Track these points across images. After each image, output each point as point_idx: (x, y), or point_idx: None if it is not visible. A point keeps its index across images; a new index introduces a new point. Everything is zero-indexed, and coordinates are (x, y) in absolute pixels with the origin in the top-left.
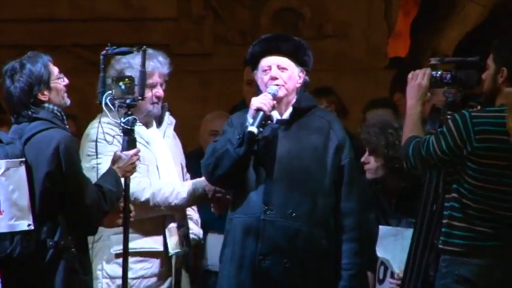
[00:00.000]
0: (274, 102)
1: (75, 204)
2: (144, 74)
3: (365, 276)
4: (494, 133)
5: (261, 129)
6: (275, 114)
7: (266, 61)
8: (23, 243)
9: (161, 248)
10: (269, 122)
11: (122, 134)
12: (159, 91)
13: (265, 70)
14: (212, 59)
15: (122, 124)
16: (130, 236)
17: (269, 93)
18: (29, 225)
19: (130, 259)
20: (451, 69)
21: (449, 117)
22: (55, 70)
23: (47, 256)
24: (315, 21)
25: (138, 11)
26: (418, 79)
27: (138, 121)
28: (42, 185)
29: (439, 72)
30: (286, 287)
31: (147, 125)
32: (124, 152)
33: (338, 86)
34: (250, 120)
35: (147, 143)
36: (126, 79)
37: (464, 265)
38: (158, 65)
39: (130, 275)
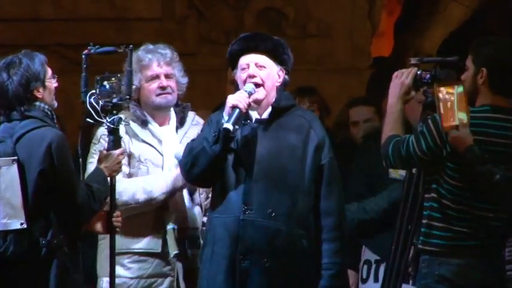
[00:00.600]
0: (250, 100)
1: (67, 203)
2: (130, 73)
3: (345, 276)
4: (474, 133)
5: (236, 126)
6: (254, 114)
7: (244, 59)
8: (16, 242)
9: (159, 249)
10: (248, 121)
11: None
12: (163, 82)
13: (243, 68)
14: (196, 58)
15: (107, 123)
16: (130, 236)
17: (245, 91)
18: (21, 223)
19: (129, 259)
20: (430, 69)
21: (429, 117)
22: (49, 70)
23: (40, 255)
24: (299, 20)
25: (122, 11)
26: (402, 78)
27: (123, 120)
28: (35, 183)
29: (418, 72)
30: (266, 287)
31: (162, 123)
32: (111, 151)
33: (321, 85)
34: (225, 117)
35: (159, 141)
36: (113, 78)
37: (444, 265)
38: (154, 56)
39: (128, 274)
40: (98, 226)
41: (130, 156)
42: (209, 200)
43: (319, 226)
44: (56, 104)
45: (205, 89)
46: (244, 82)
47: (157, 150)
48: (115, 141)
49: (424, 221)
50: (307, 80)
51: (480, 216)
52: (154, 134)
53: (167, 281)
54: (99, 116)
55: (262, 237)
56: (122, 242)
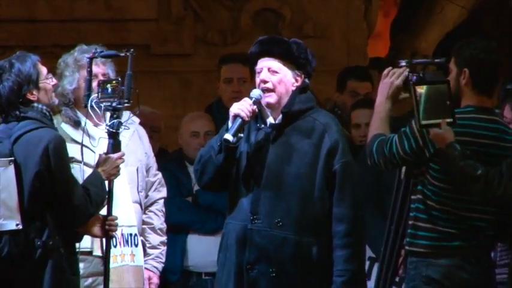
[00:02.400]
0: (255, 107)
1: (63, 204)
2: (130, 77)
3: (360, 283)
4: (458, 134)
5: (240, 134)
6: (270, 119)
7: (259, 63)
8: (11, 243)
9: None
10: (263, 126)
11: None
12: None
13: (258, 72)
14: (192, 59)
15: (107, 127)
16: None
17: (251, 98)
18: (17, 224)
19: None
20: (418, 70)
21: (412, 118)
22: (44, 70)
23: (35, 256)
24: (295, 21)
25: (117, 12)
26: (391, 78)
27: (123, 124)
28: (31, 184)
29: (407, 73)
30: None
31: (97, 123)
32: (109, 155)
33: (318, 86)
34: (229, 125)
35: (92, 140)
36: (114, 82)
37: (431, 266)
38: (85, 60)
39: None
40: (95, 229)
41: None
42: (148, 198)
43: (331, 232)
44: (56, 101)
45: (201, 90)
46: (258, 86)
47: (90, 149)
48: (114, 144)
49: (410, 222)
50: None
51: (465, 217)
52: (89, 133)
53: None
54: (99, 119)
55: (269, 246)
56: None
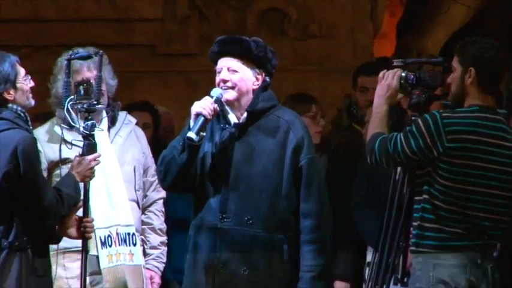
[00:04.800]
0: (216, 105)
1: (32, 205)
2: (100, 79)
3: (326, 278)
4: (465, 133)
5: (202, 133)
6: (232, 118)
7: (219, 63)
8: None
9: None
10: (227, 126)
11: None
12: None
13: (218, 72)
14: (197, 59)
15: (81, 129)
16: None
17: (211, 96)
18: None
19: (67, 259)
20: (415, 70)
21: (414, 118)
22: (22, 71)
23: (1, 256)
24: (301, 21)
25: (123, 12)
26: (388, 79)
27: (97, 126)
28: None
29: (403, 74)
30: None
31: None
32: (84, 157)
33: (323, 86)
34: (191, 124)
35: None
36: (85, 84)
37: (438, 267)
38: (84, 61)
39: (66, 274)
40: (72, 231)
41: (60, 162)
42: (147, 198)
43: (299, 228)
44: (32, 102)
45: (207, 90)
46: (218, 86)
47: None
48: (89, 146)
49: (415, 223)
50: (309, 81)
51: (472, 216)
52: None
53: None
54: (74, 121)
55: (239, 245)
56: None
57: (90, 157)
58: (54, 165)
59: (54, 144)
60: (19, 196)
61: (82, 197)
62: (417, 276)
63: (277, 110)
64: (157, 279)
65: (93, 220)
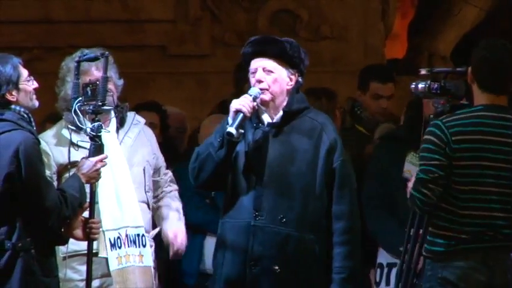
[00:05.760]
0: (255, 103)
1: (34, 206)
2: (105, 80)
3: (357, 279)
4: (468, 133)
5: (240, 130)
6: (266, 118)
7: (253, 63)
8: None
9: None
10: (260, 125)
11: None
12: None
13: (252, 72)
14: (209, 60)
15: (88, 130)
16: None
17: (250, 95)
18: None
19: (78, 261)
20: (439, 79)
21: (430, 116)
22: (25, 72)
23: (4, 257)
24: (312, 23)
25: (134, 13)
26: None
27: (104, 127)
28: (1, 186)
29: (428, 83)
30: None
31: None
32: (89, 158)
33: (335, 87)
34: (229, 121)
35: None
36: (92, 85)
37: (447, 268)
38: (87, 66)
39: (77, 277)
40: (78, 232)
41: (69, 164)
42: (162, 193)
43: (331, 230)
44: (36, 103)
45: (218, 91)
46: (253, 86)
47: None
48: (96, 147)
49: (429, 229)
50: (320, 82)
51: (485, 217)
52: (85, 140)
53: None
54: (82, 123)
55: (272, 243)
56: (69, 244)
57: (96, 158)
58: (64, 168)
59: (62, 147)
60: (21, 197)
61: (88, 199)
62: (427, 277)
63: (310, 112)
64: (182, 235)
65: (100, 221)
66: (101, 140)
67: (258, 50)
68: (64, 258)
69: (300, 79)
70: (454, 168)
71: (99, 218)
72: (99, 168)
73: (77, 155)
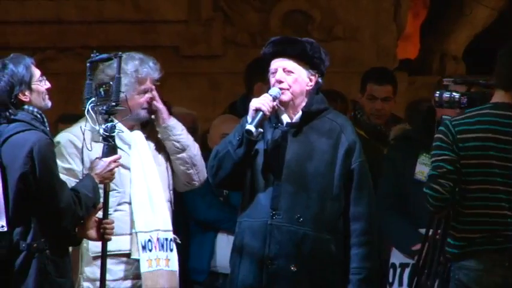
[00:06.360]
0: (275, 103)
1: (48, 207)
2: (119, 80)
3: (375, 281)
4: (474, 132)
5: (259, 129)
6: (285, 118)
7: (273, 64)
8: None
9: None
10: (279, 125)
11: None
12: (154, 94)
13: (273, 73)
14: (221, 61)
15: (102, 131)
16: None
17: (270, 94)
18: (2, 226)
19: (109, 261)
20: (463, 91)
21: (444, 116)
22: (37, 72)
23: (19, 258)
24: (325, 23)
25: (147, 13)
26: None
27: (117, 127)
28: (16, 186)
29: (453, 94)
30: None
31: (132, 128)
32: (103, 159)
33: (347, 88)
34: (249, 120)
35: (128, 146)
36: (104, 85)
37: (461, 269)
38: (150, 70)
39: (109, 277)
40: (91, 233)
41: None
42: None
43: (349, 231)
44: (49, 104)
45: (230, 91)
46: (273, 86)
47: (127, 153)
48: (109, 148)
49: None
50: (332, 83)
51: (496, 215)
52: (123, 138)
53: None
54: (95, 123)
55: (289, 242)
56: (99, 244)
57: (110, 159)
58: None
59: (95, 143)
60: (36, 197)
61: (102, 199)
62: (451, 278)
63: (329, 112)
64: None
65: (113, 222)
66: (114, 140)
67: (279, 50)
68: (94, 258)
69: (320, 80)
70: (462, 167)
71: (133, 219)
72: (113, 169)
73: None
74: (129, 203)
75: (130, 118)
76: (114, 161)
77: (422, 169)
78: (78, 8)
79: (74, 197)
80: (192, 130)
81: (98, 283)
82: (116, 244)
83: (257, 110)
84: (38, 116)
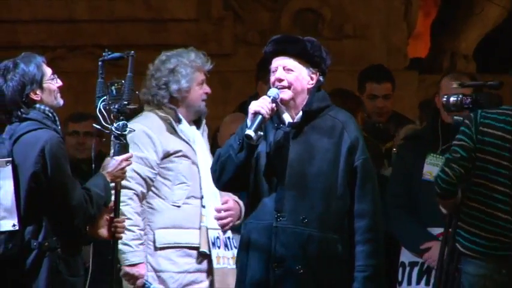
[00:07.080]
0: (274, 105)
1: (59, 205)
2: (131, 79)
3: (380, 278)
4: (493, 128)
5: (259, 132)
6: (287, 118)
7: (274, 62)
8: (7, 244)
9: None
10: (281, 125)
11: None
12: (207, 88)
13: (273, 71)
14: (232, 59)
15: (113, 129)
16: (176, 230)
17: (269, 96)
18: (13, 225)
19: (175, 253)
20: (470, 93)
21: (455, 117)
22: (48, 71)
23: (31, 256)
24: (335, 22)
25: (157, 12)
26: None
27: (128, 126)
28: (28, 185)
29: (460, 97)
30: None
31: (189, 124)
32: (114, 157)
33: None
34: (248, 123)
35: (192, 140)
36: (117, 84)
37: (463, 273)
38: (204, 61)
39: (174, 269)
40: (103, 231)
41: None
42: None
43: (353, 229)
44: (61, 102)
45: (241, 90)
46: (273, 85)
47: (192, 148)
48: (121, 146)
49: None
50: (343, 81)
51: (497, 217)
52: (186, 133)
53: (210, 277)
54: (106, 122)
55: (294, 243)
56: (169, 235)
57: (121, 157)
58: (170, 154)
59: (168, 134)
60: (47, 196)
61: (113, 198)
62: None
63: (331, 110)
64: None
65: (124, 221)
66: (125, 139)
67: (279, 48)
68: (160, 249)
69: (321, 78)
70: (477, 161)
71: (202, 213)
72: (124, 167)
73: (179, 145)
74: (197, 198)
75: (192, 111)
76: (126, 160)
77: (430, 169)
78: (89, 7)
79: (85, 195)
80: None
81: (162, 274)
82: (184, 237)
83: (256, 113)
84: (50, 114)
